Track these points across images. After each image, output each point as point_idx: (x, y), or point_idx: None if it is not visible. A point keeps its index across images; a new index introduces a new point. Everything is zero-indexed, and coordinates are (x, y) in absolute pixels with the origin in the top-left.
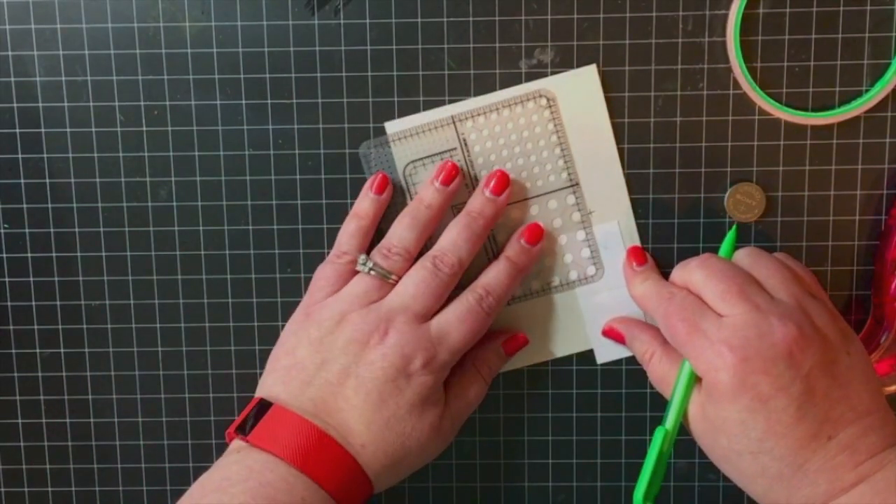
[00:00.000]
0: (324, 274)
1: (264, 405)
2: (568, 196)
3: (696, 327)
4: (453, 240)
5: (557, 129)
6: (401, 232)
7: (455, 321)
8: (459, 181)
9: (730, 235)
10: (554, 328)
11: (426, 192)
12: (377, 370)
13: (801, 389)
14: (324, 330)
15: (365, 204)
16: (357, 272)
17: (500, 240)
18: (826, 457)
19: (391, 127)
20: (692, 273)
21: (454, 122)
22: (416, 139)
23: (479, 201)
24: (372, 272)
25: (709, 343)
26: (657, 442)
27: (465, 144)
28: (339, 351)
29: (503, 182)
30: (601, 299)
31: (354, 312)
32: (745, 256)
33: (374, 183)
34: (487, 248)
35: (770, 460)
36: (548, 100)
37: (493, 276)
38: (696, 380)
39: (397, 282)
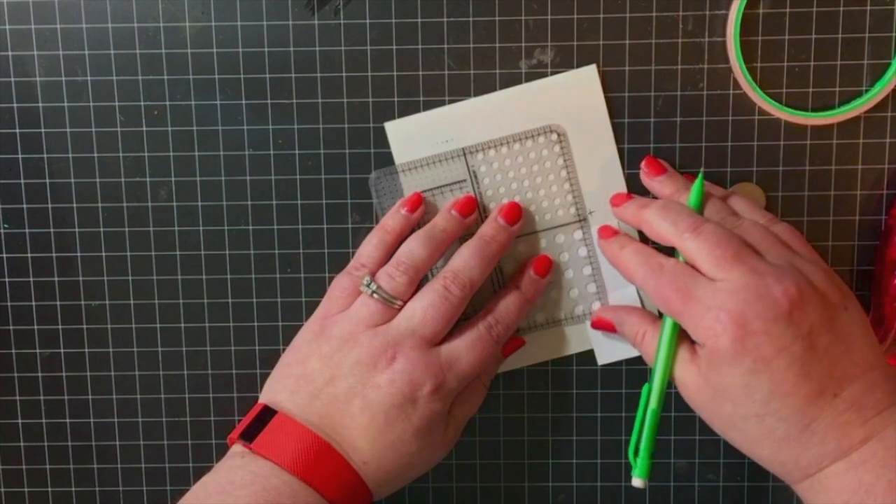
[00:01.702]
0: (340, 284)
1: (267, 412)
2: (575, 231)
3: (691, 295)
4: (465, 261)
5: (567, 165)
6: (413, 247)
7: (465, 348)
8: (475, 217)
9: (697, 184)
10: (554, 329)
11: (441, 217)
12: (384, 394)
13: (803, 347)
14: (333, 346)
15: (394, 220)
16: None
17: (507, 271)
18: (833, 414)
19: (392, 129)
20: (684, 242)
21: (464, 155)
22: (426, 170)
23: (492, 227)
24: (375, 295)
25: (705, 309)
26: (643, 398)
27: (475, 177)
28: (347, 370)
29: (516, 212)
30: (602, 304)
31: (362, 334)
32: (727, 216)
33: (408, 201)
34: (494, 280)
35: (776, 422)
36: (558, 135)
37: (503, 305)
38: (680, 340)
39: (402, 307)
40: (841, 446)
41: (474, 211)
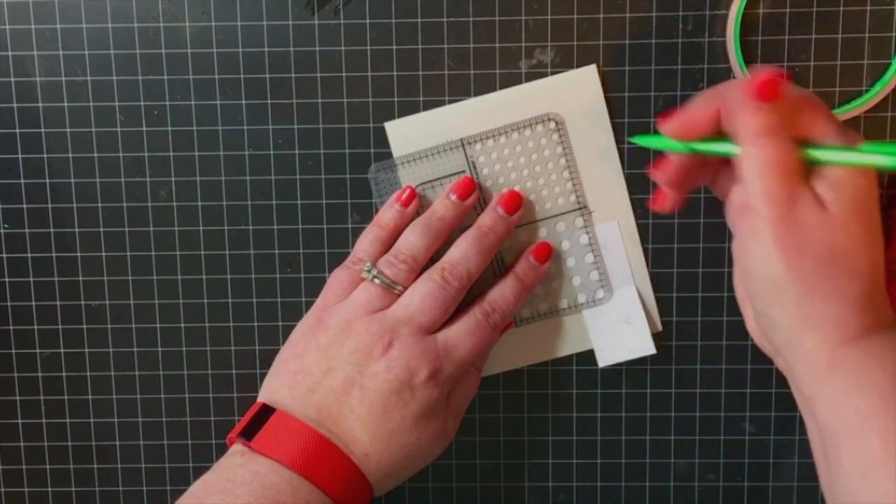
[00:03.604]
0: (338, 277)
1: (266, 410)
2: (576, 219)
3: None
4: (463, 252)
5: (566, 152)
6: (411, 238)
7: (462, 335)
8: (475, 198)
9: None
10: (555, 329)
11: (440, 204)
12: (381, 382)
13: None
14: (330, 337)
15: (388, 214)
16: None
17: (508, 261)
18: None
19: (392, 129)
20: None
21: (463, 146)
22: (425, 162)
23: (491, 217)
24: (376, 280)
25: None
26: None
27: (475, 167)
28: (343, 360)
29: (516, 200)
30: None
31: (359, 321)
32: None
33: (401, 195)
34: (495, 270)
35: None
36: (556, 123)
37: (499, 292)
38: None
39: (402, 292)
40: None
41: (473, 193)
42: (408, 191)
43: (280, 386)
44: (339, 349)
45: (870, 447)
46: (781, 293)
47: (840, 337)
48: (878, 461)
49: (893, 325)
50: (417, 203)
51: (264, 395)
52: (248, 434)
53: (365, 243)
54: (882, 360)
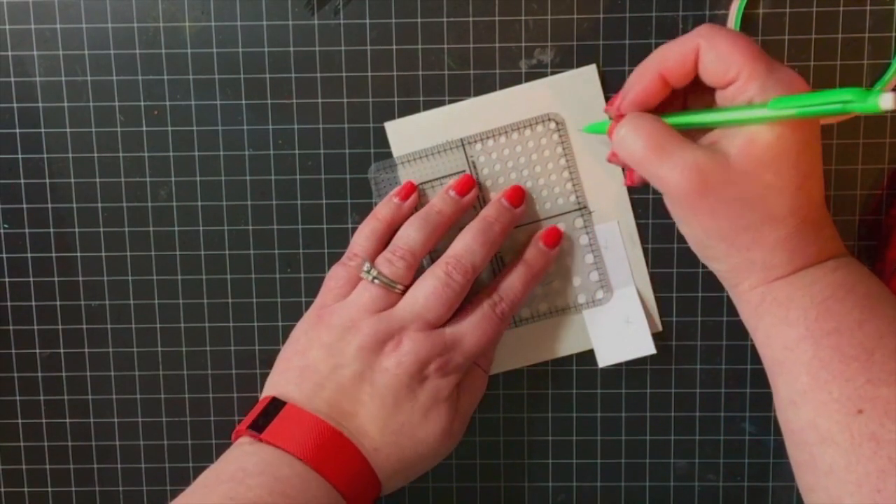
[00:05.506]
0: (335, 275)
1: (276, 404)
2: (576, 219)
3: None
4: (468, 244)
5: (566, 153)
6: (409, 232)
7: (469, 327)
8: (474, 195)
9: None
10: (555, 329)
11: (438, 198)
12: (391, 377)
13: None
14: (334, 335)
15: (386, 208)
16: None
17: (508, 262)
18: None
19: (392, 129)
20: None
21: (463, 146)
22: (425, 162)
23: (496, 209)
24: (376, 280)
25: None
26: None
27: (475, 167)
28: (351, 357)
29: (519, 194)
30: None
31: (364, 321)
32: None
33: (401, 189)
34: (495, 270)
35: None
36: (556, 123)
37: (508, 282)
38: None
39: (404, 291)
40: (840, 245)
41: (472, 190)
42: (407, 185)
43: (286, 381)
44: (346, 347)
45: (797, 377)
46: (710, 251)
47: (770, 278)
48: (804, 390)
49: (834, 255)
50: (416, 198)
51: (270, 391)
52: (258, 427)
53: (361, 238)
54: (811, 292)
